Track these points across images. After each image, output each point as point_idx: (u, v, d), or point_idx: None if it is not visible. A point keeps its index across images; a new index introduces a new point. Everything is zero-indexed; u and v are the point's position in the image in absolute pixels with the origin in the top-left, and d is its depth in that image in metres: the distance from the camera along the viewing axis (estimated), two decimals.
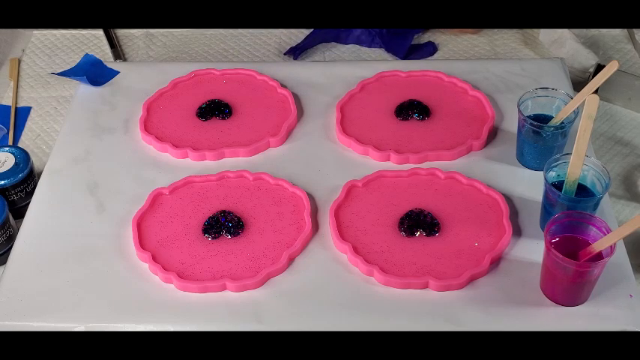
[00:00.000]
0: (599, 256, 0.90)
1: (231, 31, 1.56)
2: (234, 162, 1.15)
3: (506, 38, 1.52)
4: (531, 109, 1.10)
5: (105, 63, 1.32)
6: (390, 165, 1.13)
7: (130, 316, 0.96)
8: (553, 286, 0.94)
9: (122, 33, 1.56)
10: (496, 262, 1.00)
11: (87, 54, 1.34)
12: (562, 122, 1.07)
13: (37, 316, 0.96)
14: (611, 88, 1.33)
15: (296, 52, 1.47)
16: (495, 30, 1.53)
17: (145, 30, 1.56)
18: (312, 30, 1.50)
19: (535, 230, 1.03)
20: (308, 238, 1.03)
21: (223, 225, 1.03)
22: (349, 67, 1.30)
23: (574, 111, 1.06)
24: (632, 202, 1.19)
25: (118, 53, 1.50)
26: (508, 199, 1.07)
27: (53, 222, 1.07)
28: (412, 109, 1.19)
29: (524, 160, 1.12)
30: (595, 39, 1.49)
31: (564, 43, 1.41)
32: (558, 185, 1.00)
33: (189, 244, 1.02)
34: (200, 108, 1.21)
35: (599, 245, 0.90)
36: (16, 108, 1.40)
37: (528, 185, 1.09)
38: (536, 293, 0.96)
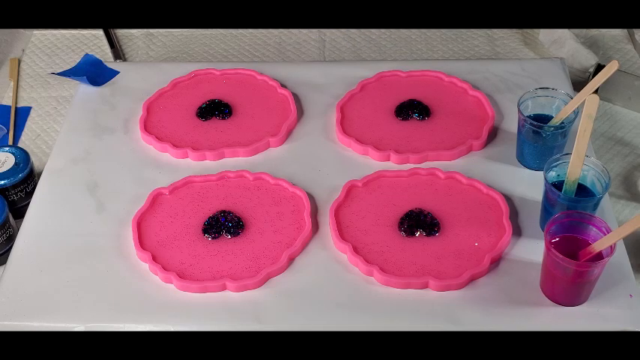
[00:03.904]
0: (599, 256, 0.90)
1: (231, 31, 1.56)
2: (234, 162, 1.15)
3: (506, 38, 1.51)
4: (531, 109, 1.10)
5: (105, 63, 1.32)
6: (390, 165, 1.13)
7: (130, 316, 0.96)
8: (553, 286, 0.94)
9: (122, 33, 1.56)
10: (496, 262, 1.00)
11: (87, 54, 1.34)
12: (562, 122, 1.07)
13: (37, 316, 0.96)
14: (611, 88, 1.33)
15: None
16: (495, 30, 1.53)
17: (145, 30, 1.56)
18: None
19: (535, 230, 1.03)
20: (308, 238, 1.03)
21: (223, 225, 1.03)
22: (349, 67, 1.30)
23: (574, 111, 1.06)
24: (632, 202, 1.18)
25: (118, 53, 1.50)
26: (508, 199, 1.07)
27: (53, 222, 1.07)
28: (412, 109, 1.19)
29: (524, 160, 1.12)
30: (595, 39, 1.49)
31: (564, 43, 1.41)
32: (558, 185, 1.00)
33: (189, 244, 1.02)
34: (200, 108, 1.21)
35: (599, 245, 0.90)
36: (16, 108, 1.40)
37: (528, 185, 1.09)
38: (536, 293, 0.96)
